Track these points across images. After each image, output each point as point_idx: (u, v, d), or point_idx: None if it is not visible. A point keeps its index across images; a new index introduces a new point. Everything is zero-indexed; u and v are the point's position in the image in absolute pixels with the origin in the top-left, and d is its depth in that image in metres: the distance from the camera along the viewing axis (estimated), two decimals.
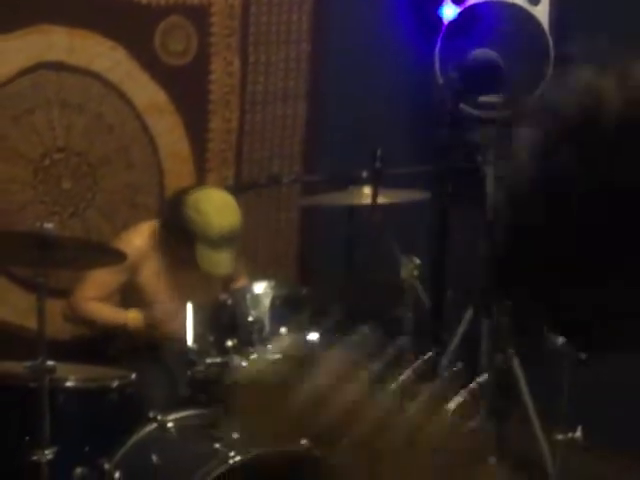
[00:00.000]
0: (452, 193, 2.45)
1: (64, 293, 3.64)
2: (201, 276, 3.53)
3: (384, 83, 4.43)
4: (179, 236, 3.55)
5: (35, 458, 2.87)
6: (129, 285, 3.63)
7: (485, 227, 4.47)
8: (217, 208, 3.53)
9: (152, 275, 3.64)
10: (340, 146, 4.24)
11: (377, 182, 3.02)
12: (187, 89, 4.22)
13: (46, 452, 2.87)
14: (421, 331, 3.20)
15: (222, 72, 4.29)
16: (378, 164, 3.02)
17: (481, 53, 3.81)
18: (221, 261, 3.52)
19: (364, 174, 3.15)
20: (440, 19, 4.25)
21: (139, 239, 3.63)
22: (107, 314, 3.60)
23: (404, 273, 3.30)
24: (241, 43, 4.30)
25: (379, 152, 3.03)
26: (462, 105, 2.98)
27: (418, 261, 3.30)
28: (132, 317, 3.57)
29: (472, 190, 4.38)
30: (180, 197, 3.58)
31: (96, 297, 3.59)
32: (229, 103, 4.32)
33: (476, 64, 3.45)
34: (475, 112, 4.14)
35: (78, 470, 3.00)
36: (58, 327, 3.75)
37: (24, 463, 2.91)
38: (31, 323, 3.36)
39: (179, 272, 3.63)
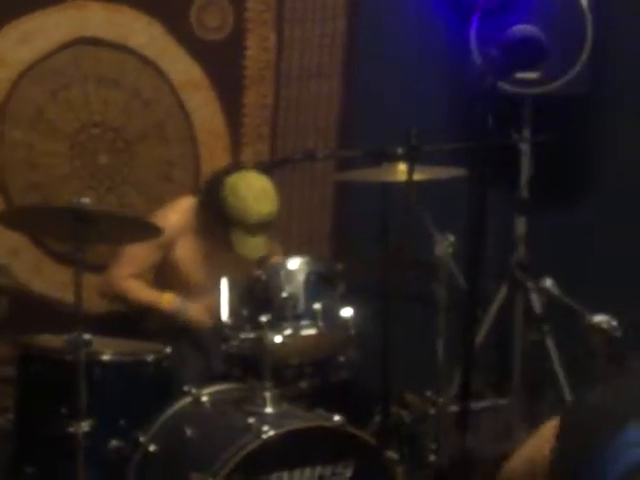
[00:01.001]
0: (489, 170, 2.44)
1: (100, 268, 3.67)
2: (235, 256, 3.54)
3: (420, 59, 4.41)
4: (216, 217, 3.56)
5: (71, 430, 2.91)
6: (164, 262, 3.64)
7: (519, 204, 4.47)
8: (255, 194, 3.52)
9: (187, 253, 3.65)
10: (375, 122, 4.23)
11: (412, 159, 3.01)
12: (222, 64, 4.23)
13: (82, 424, 2.90)
14: (455, 308, 3.20)
15: (257, 48, 4.29)
16: (414, 141, 3.00)
17: (522, 29, 3.78)
18: (256, 245, 3.53)
19: (399, 150, 3.14)
20: None
21: (175, 215, 3.64)
22: (142, 294, 3.62)
23: (438, 250, 3.30)
24: (277, 19, 4.29)
25: (414, 129, 3.01)
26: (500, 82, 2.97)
27: (452, 238, 3.29)
28: (166, 301, 3.58)
29: (507, 167, 4.38)
30: (219, 179, 3.57)
31: (132, 274, 3.61)
32: (264, 78, 4.32)
33: (517, 40, 3.42)
34: (512, 89, 4.12)
35: (114, 442, 3.04)
36: (95, 301, 3.78)
37: (61, 435, 2.95)
38: (68, 297, 3.40)
39: (214, 251, 3.64)
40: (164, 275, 3.69)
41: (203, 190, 3.67)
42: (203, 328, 3.53)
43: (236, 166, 3.94)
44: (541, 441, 1.29)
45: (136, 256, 3.60)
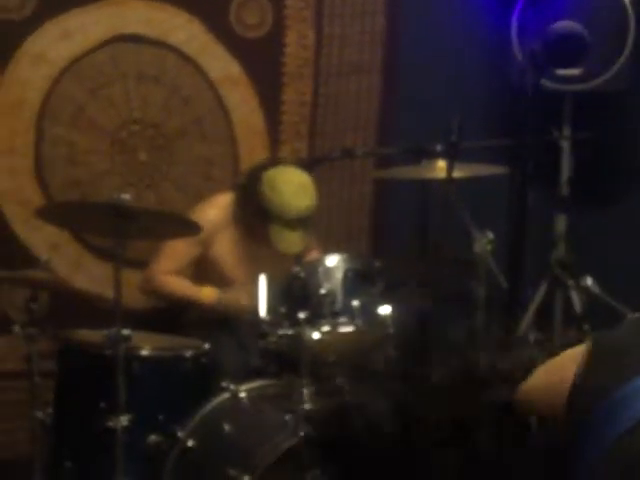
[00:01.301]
0: (529, 168, 2.42)
1: (140, 264, 3.69)
2: (273, 251, 3.55)
3: (460, 55, 4.39)
4: (254, 212, 3.56)
5: (110, 424, 2.93)
6: (202, 258, 3.66)
7: (560, 201, 4.43)
8: (294, 189, 3.51)
9: (225, 249, 3.66)
10: (415, 119, 4.21)
11: (452, 155, 3.00)
12: (261, 62, 4.23)
13: (121, 419, 2.92)
14: (494, 305, 3.18)
15: (296, 45, 4.29)
16: (453, 137, 2.99)
17: (565, 25, 3.75)
18: (294, 240, 3.52)
19: (439, 147, 3.13)
20: None
21: (214, 212, 3.65)
22: (182, 289, 3.63)
23: (477, 247, 3.28)
24: (316, 15, 4.29)
25: (454, 125, 3.00)
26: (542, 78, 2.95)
27: (492, 236, 3.27)
28: (206, 295, 3.59)
29: (547, 164, 4.34)
30: (257, 173, 3.57)
31: (171, 270, 3.62)
32: (303, 76, 4.32)
33: (560, 36, 3.39)
34: (553, 85, 4.09)
35: (152, 437, 3.05)
36: (134, 296, 3.80)
37: (100, 429, 2.97)
38: (108, 292, 3.42)
39: (252, 246, 3.65)
40: (203, 271, 3.70)
41: (241, 185, 3.68)
42: (243, 315, 3.52)
43: (274, 161, 3.95)
44: (567, 361, 1.26)
45: (176, 252, 3.61)
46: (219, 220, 3.63)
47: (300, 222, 3.51)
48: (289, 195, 3.49)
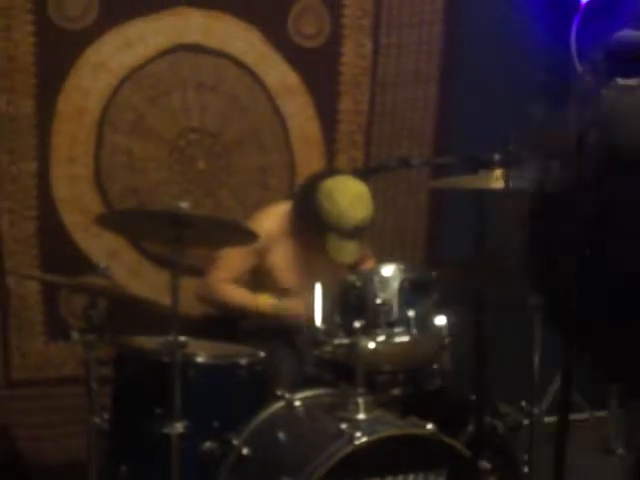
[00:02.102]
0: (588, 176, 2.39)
1: (197, 271, 3.71)
2: (329, 261, 3.55)
3: (517, 64, 4.37)
4: (310, 222, 3.57)
5: (166, 430, 2.94)
6: (259, 267, 3.67)
7: None
8: (351, 200, 3.52)
9: (281, 258, 3.67)
10: (472, 129, 4.20)
11: (510, 166, 2.97)
12: (318, 71, 4.25)
13: (177, 425, 2.93)
14: (552, 317, 3.15)
15: (354, 54, 4.29)
16: (511, 147, 2.97)
17: (627, 35, 3.70)
18: (350, 250, 3.54)
19: (496, 157, 3.11)
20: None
21: (270, 221, 3.66)
22: (239, 297, 3.65)
23: None
24: (373, 25, 4.30)
25: (512, 135, 2.98)
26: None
27: None
28: (263, 303, 3.61)
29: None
30: (314, 184, 3.58)
31: (229, 279, 3.65)
32: (360, 85, 4.33)
33: (623, 45, 3.35)
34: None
35: (207, 444, 3.06)
36: (191, 304, 3.83)
37: (155, 435, 2.98)
38: (164, 299, 3.44)
39: (308, 255, 3.66)
40: (259, 279, 3.71)
41: (298, 195, 3.69)
42: (299, 324, 3.53)
43: (331, 171, 3.95)
44: None
45: (233, 261, 3.63)
46: (275, 230, 3.65)
47: (356, 232, 3.52)
48: (346, 205, 3.50)
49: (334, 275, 3.44)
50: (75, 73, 3.85)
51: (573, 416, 2.68)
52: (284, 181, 4.22)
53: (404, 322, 3.15)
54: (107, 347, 3.27)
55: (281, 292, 3.65)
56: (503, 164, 3.08)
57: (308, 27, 4.20)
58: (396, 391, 3.20)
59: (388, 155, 4.31)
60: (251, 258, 3.63)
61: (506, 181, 2.96)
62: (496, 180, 3.14)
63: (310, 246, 3.64)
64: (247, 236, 3.32)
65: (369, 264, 3.77)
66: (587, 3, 4.12)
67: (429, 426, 2.89)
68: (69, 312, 3.93)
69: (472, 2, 4.35)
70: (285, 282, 3.67)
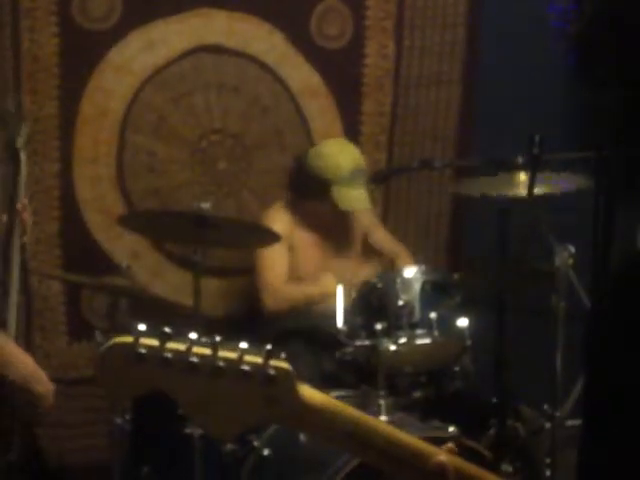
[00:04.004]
0: (615, 181, 2.38)
1: (219, 272, 3.72)
2: (344, 237, 3.76)
3: (541, 66, 4.34)
4: (311, 192, 3.69)
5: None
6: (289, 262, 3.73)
7: None
8: (338, 149, 3.72)
9: (303, 247, 3.75)
10: (495, 131, 4.18)
11: (534, 168, 2.96)
12: (341, 72, 4.24)
13: None
14: (574, 320, 3.13)
15: (377, 55, 4.29)
16: (536, 150, 2.95)
17: None
18: (357, 197, 3.64)
19: (520, 160, 3.09)
20: None
21: (282, 216, 3.76)
22: (305, 290, 3.70)
23: (558, 261, 3.23)
24: (396, 27, 4.29)
25: (537, 137, 2.96)
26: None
27: (573, 249, 3.23)
28: (328, 283, 3.61)
29: (632, 176, 4.26)
30: (300, 158, 3.77)
31: (283, 280, 3.70)
32: (383, 87, 4.32)
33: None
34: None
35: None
36: (212, 304, 3.84)
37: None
38: (186, 300, 3.45)
39: (320, 235, 3.77)
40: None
41: (291, 176, 3.82)
42: (322, 324, 3.55)
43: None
44: None
45: (276, 261, 3.69)
46: (290, 222, 3.75)
47: (356, 177, 3.62)
48: (336, 154, 3.67)
49: (351, 256, 3.70)
50: (98, 74, 3.86)
51: None
52: None
53: (426, 324, 3.14)
54: None
55: (300, 280, 3.70)
56: (527, 167, 3.07)
57: (331, 28, 4.19)
58: (417, 393, 3.20)
59: (411, 157, 4.30)
60: (287, 252, 3.69)
61: (529, 184, 2.94)
62: (520, 183, 3.12)
63: (319, 221, 3.76)
64: (268, 237, 3.33)
65: (406, 260, 3.79)
66: None
67: (451, 429, 2.88)
68: (92, 312, 3.94)
69: (494, 4, 4.33)
70: (308, 269, 3.69)
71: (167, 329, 1.09)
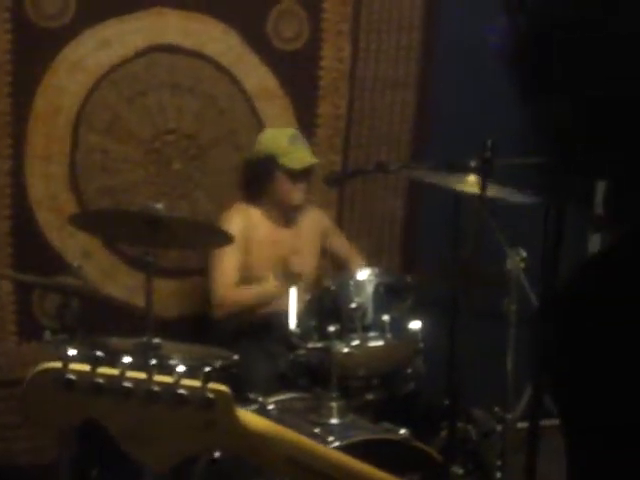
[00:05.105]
0: (565, 188, 2.39)
1: (172, 273, 3.70)
2: (303, 236, 3.84)
3: (495, 71, 4.37)
4: (261, 177, 3.80)
5: None
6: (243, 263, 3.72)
7: (594, 220, 4.39)
8: (272, 129, 3.96)
9: (259, 247, 3.76)
10: (449, 135, 4.20)
11: (486, 172, 2.98)
12: (297, 74, 4.24)
13: None
14: (525, 323, 3.16)
15: (332, 58, 4.29)
16: (488, 154, 2.97)
17: None
18: (302, 156, 3.77)
19: (472, 163, 3.11)
20: None
21: (238, 216, 3.78)
22: (253, 294, 3.70)
23: (509, 264, 3.26)
24: (353, 29, 4.29)
25: (489, 142, 2.98)
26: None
27: (524, 253, 3.25)
28: (273, 286, 3.61)
29: (582, 183, 4.30)
30: (246, 157, 3.93)
31: (234, 282, 3.69)
32: (338, 89, 4.32)
33: None
34: None
35: None
36: (165, 305, 3.82)
37: None
38: (138, 301, 3.43)
39: (277, 234, 3.82)
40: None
41: (241, 173, 3.96)
42: (274, 325, 3.55)
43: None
44: None
45: (228, 264, 3.68)
46: (245, 222, 3.78)
47: (294, 141, 3.79)
48: (270, 133, 3.89)
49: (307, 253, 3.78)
50: (51, 72, 3.83)
51: (546, 422, 2.68)
52: None
53: (378, 326, 3.15)
54: (79, 348, 3.25)
55: (256, 281, 3.69)
56: (479, 171, 3.09)
57: (287, 30, 4.19)
58: (370, 395, 3.20)
59: (366, 159, 4.31)
60: (240, 254, 3.67)
61: (481, 187, 2.96)
62: (472, 186, 3.14)
63: (281, 218, 3.83)
64: (222, 237, 3.32)
65: (357, 263, 3.81)
66: None
67: (402, 431, 2.89)
68: (42, 312, 3.90)
69: (450, 9, 4.35)
70: (264, 269, 3.70)
71: (99, 353, 1.06)
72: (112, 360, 1.09)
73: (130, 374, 1.07)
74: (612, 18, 1.00)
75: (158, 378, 1.07)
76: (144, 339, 2.95)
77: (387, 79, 4.38)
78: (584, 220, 4.40)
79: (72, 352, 1.05)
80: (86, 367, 1.06)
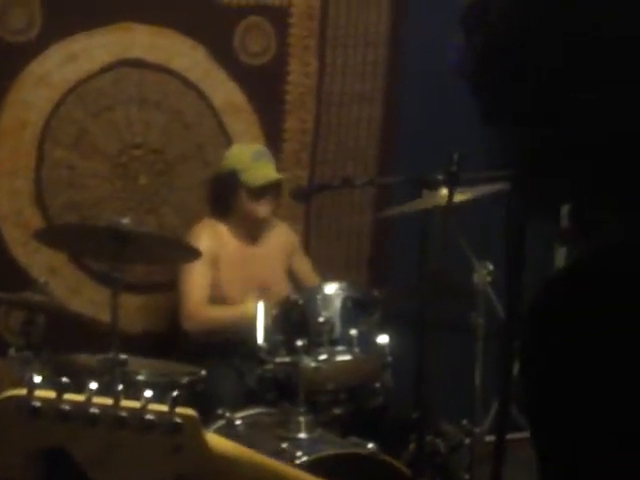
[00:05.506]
0: (528, 198, 2.41)
1: (138, 288, 3.68)
2: (271, 252, 3.83)
3: (462, 86, 4.40)
4: (225, 191, 3.80)
5: None
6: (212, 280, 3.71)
7: (560, 233, 4.42)
8: (239, 145, 3.97)
9: (227, 264, 3.74)
10: (416, 149, 4.22)
11: (453, 185, 2.99)
12: (264, 89, 4.24)
13: None
14: (493, 337, 3.17)
15: (299, 73, 4.30)
16: (454, 167, 2.99)
17: None
18: (264, 173, 3.75)
19: (439, 177, 3.12)
20: None
21: (207, 232, 3.75)
22: (226, 312, 3.66)
23: (477, 278, 3.27)
24: (319, 45, 4.31)
25: (455, 155, 3.00)
26: None
27: (491, 266, 3.27)
28: (250, 308, 3.57)
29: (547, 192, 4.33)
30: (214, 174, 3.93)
31: (204, 299, 3.66)
32: (305, 104, 4.33)
33: None
34: None
35: None
36: (131, 321, 3.80)
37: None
38: (104, 316, 3.40)
39: (246, 251, 3.80)
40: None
41: (208, 189, 3.95)
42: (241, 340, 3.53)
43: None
44: None
45: (198, 281, 3.64)
46: (214, 239, 3.75)
47: (259, 157, 3.78)
48: (236, 149, 3.91)
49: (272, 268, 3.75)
50: (18, 86, 3.81)
51: (513, 435, 2.69)
52: None
53: (346, 341, 3.15)
54: (45, 364, 3.22)
55: (222, 297, 3.68)
56: (446, 184, 3.10)
57: (254, 45, 4.20)
58: (338, 410, 3.20)
59: (333, 174, 4.32)
60: (209, 270, 3.66)
61: (448, 200, 2.97)
62: (439, 200, 3.15)
63: (249, 234, 3.81)
64: (189, 252, 3.31)
65: (313, 281, 3.79)
66: None
67: (370, 445, 2.88)
68: (6, 328, 3.86)
69: (416, 24, 4.38)
70: (234, 287, 3.69)
71: (64, 379, 1.05)
72: (79, 382, 1.08)
73: (96, 400, 1.06)
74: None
75: (125, 403, 1.06)
76: (110, 355, 2.93)
77: (354, 94, 4.40)
78: (550, 233, 4.44)
79: (37, 379, 1.04)
80: (52, 394, 1.04)
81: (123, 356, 2.96)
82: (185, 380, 3.19)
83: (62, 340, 3.55)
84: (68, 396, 1.04)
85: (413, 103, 4.35)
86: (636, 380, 1.01)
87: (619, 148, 1.02)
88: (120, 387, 1.06)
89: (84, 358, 3.21)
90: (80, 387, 1.06)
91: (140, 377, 3.12)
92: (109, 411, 1.04)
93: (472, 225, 3.23)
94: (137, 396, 1.06)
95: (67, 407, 1.04)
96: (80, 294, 3.96)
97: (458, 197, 3.02)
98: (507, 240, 2.53)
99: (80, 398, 1.05)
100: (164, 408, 1.06)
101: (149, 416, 1.05)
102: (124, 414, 1.05)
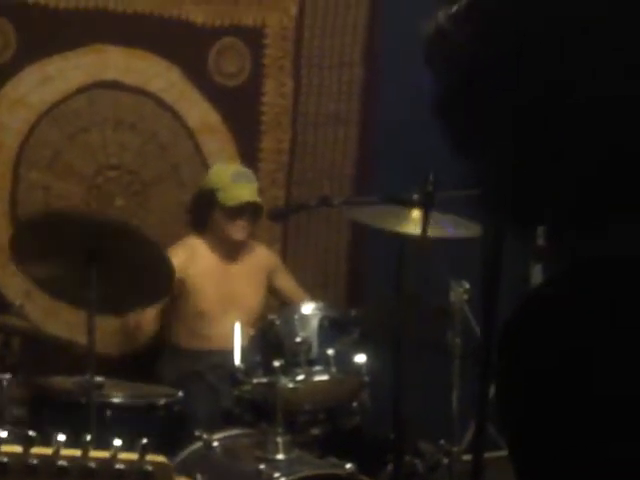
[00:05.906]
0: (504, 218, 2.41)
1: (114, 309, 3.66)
2: (251, 270, 3.85)
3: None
4: (203, 208, 3.86)
5: None
6: (179, 294, 3.70)
7: (536, 252, 4.44)
8: (220, 164, 4.01)
9: (203, 281, 3.78)
10: (392, 169, 4.23)
11: (428, 206, 3.00)
12: (240, 110, 4.25)
13: None
14: (470, 355, 3.17)
15: (275, 93, 4.31)
16: (430, 187, 3.00)
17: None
18: (242, 193, 3.78)
19: (415, 197, 3.13)
20: None
21: (182, 251, 3.79)
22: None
23: (453, 297, 3.28)
24: (294, 65, 4.32)
25: (431, 176, 3.01)
26: None
27: (467, 285, 3.27)
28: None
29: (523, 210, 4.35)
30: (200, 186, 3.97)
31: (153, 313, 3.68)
32: (281, 124, 4.34)
33: None
34: None
35: None
36: (107, 343, 3.77)
37: None
38: (80, 339, 3.38)
39: (223, 270, 3.83)
40: (179, 306, 3.76)
41: (188, 208, 4.01)
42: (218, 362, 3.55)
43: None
44: None
45: None
46: (188, 257, 3.79)
47: (238, 178, 3.82)
48: (217, 168, 3.93)
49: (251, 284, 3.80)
50: None
51: (491, 454, 2.69)
52: None
53: (323, 361, 3.15)
54: (21, 387, 3.20)
55: (200, 315, 3.68)
56: (422, 204, 3.11)
57: (229, 66, 4.20)
58: (315, 430, 3.19)
59: (309, 194, 4.32)
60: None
61: (423, 220, 2.98)
62: (415, 220, 3.16)
63: (218, 253, 3.82)
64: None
65: (300, 297, 3.81)
66: None
67: (348, 466, 2.87)
68: None
69: (391, 45, 4.39)
70: (211, 302, 3.74)
71: (31, 432, 1.03)
72: (55, 406, 1.07)
73: (65, 452, 1.04)
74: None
75: (94, 454, 1.05)
76: (86, 377, 2.91)
77: (329, 114, 4.41)
78: (526, 250, 4.45)
79: (3, 434, 1.03)
80: (18, 448, 1.03)
81: (99, 378, 2.95)
82: (162, 402, 3.18)
83: (38, 363, 3.53)
84: (35, 450, 1.02)
85: (389, 122, 4.36)
86: (612, 395, 1.01)
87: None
88: (89, 437, 1.04)
89: (60, 381, 3.19)
90: (56, 416, 1.05)
91: (117, 399, 3.10)
92: (78, 462, 1.03)
93: (449, 242, 3.24)
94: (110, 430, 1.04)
95: (35, 461, 1.02)
96: (56, 317, 3.94)
97: (433, 230, 3.03)
98: (483, 258, 2.53)
99: (48, 451, 1.03)
100: (134, 456, 1.04)
101: (119, 465, 1.03)
102: (93, 465, 1.03)
